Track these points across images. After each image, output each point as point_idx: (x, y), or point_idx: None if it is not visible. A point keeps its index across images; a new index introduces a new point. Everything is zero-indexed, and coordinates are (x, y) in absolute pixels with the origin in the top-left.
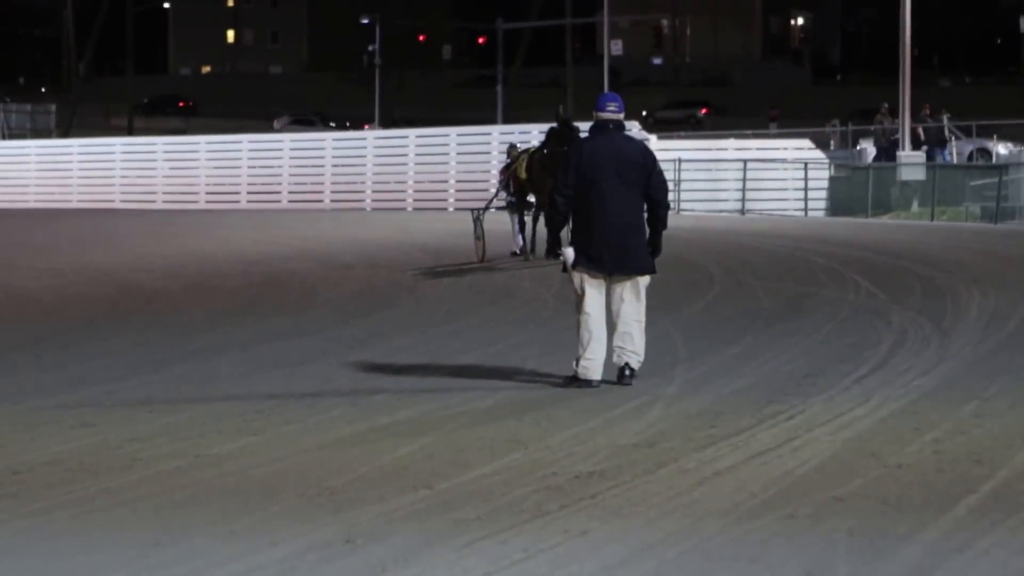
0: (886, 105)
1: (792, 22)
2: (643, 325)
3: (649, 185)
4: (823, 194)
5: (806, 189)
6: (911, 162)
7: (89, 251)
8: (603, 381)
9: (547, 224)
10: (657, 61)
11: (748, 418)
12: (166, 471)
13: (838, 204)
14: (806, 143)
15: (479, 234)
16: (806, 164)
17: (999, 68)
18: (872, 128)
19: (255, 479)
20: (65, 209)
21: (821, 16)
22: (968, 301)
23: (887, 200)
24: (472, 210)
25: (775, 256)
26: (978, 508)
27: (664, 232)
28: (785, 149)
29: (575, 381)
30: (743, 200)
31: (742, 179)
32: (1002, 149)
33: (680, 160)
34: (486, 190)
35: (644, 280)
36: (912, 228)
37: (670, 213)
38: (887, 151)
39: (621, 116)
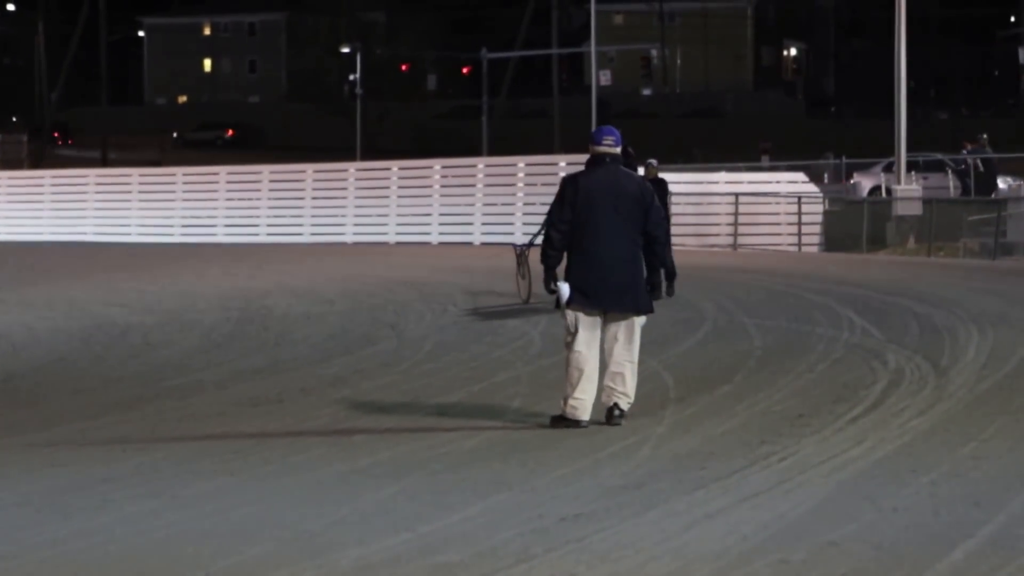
0: (984, 136)
1: (784, 53)
2: (635, 366)
3: (647, 221)
4: (817, 229)
5: (800, 224)
6: (907, 196)
7: (61, 284)
8: (591, 421)
9: (542, 260)
10: (647, 92)
11: (739, 459)
12: (140, 512)
13: (832, 239)
14: (799, 176)
15: (523, 272)
16: (800, 198)
17: (997, 101)
18: (964, 156)
19: (232, 521)
20: (36, 242)
21: (814, 47)
22: (966, 340)
23: (883, 235)
24: (515, 245)
25: (767, 292)
26: (976, 553)
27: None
28: (778, 183)
29: (563, 421)
30: (735, 235)
31: (734, 213)
32: (1001, 183)
33: (670, 193)
34: (471, 223)
35: (640, 319)
36: (908, 264)
37: None
38: (977, 180)
39: (618, 150)
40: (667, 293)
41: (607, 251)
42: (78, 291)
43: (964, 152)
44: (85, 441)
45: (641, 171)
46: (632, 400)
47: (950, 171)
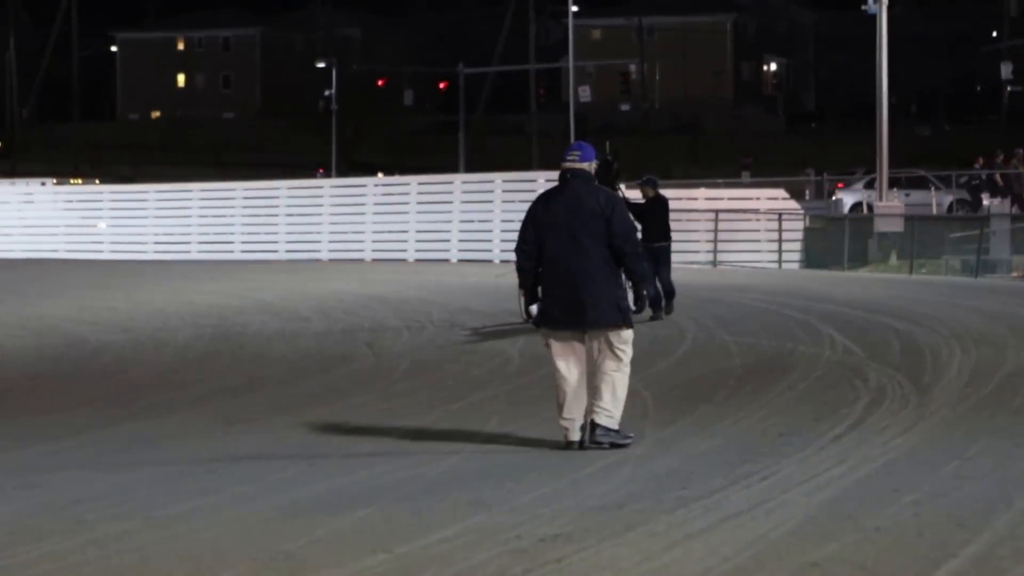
0: (1021, 151)
1: (764, 68)
2: (616, 380)
3: (610, 235)
4: (798, 246)
5: (780, 241)
6: (888, 213)
7: (32, 302)
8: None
9: (519, 284)
10: (625, 107)
11: (720, 479)
12: (113, 534)
13: (813, 257)
14: (780, 193)
15: None
16: (780, 215)
17: (979, 116)
18: (976, 171)
19: (207, 542)
20: (7, 259)
21: (794, 62)
22: (948, 358)
23: (864, 253)
24: None
25: (748, 310)
26: (960, 574)
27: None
28: (758, 199)
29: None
30: (715, 252)
31: (714, 230)
32: (983, 200)
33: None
34: (448, 240)
35: (616, 334)
36: (890, 282)
37: None
38: (1019, 197)
39: (584, 165)
40: (664, 312)
41: (565, 269)
42: (49, 309)
43: (976, 167)
44: (57, 462)
45: (626, 189)
46: (613, 415)
47: (947, 187)
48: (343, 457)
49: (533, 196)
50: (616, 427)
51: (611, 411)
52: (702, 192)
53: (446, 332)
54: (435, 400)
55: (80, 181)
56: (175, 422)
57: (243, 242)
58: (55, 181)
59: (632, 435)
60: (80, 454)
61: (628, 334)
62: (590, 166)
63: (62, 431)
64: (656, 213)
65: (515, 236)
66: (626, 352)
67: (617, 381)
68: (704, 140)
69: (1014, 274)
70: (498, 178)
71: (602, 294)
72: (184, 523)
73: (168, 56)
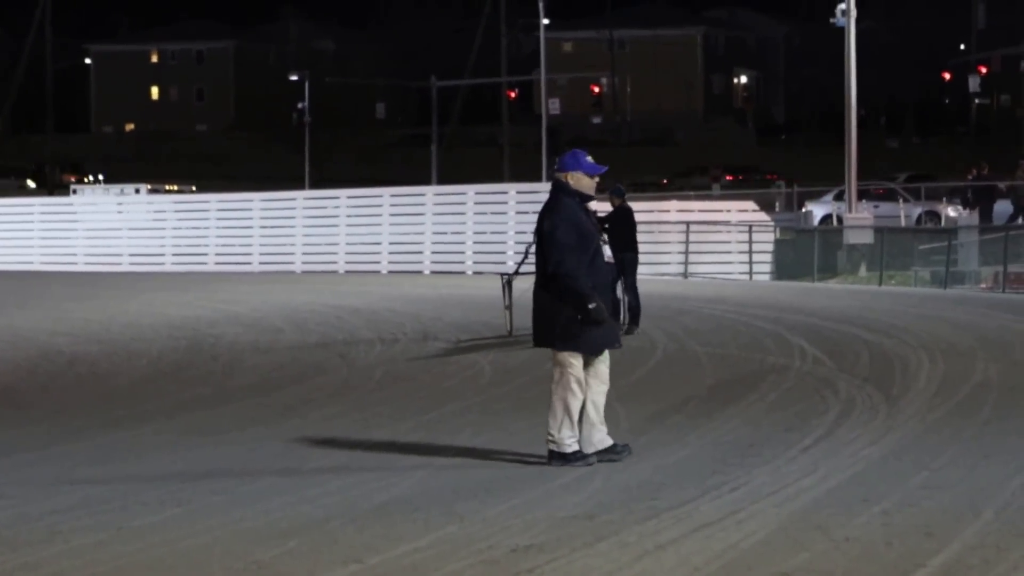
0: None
1: (735, 80)
2: (554, 400)
3: (542, 252)
4: (768, 258)
5: (751, 252)
6: (858, 225)
7: (6, 314)
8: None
9: None
10: (597, 120)
11: (691, 489)
12: (88, 544)
13: (783, 268)
14: (750, 205)
15: (508, 303)
16: (751, 227)
17: (948, 128)
18: (1016, 183)
19: (181, 552)
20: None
21: (765, 75)
22: (917, 368)
23: (834, 264)
24: (502, 275)
25: (719, 322)
26: None
27: (580, 302)
28: (729, 211)
29: None
30: (686, 263)
31: (685, 242)
32: (951, 212)
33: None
34: (421, 252)
35: (554, 354)
36: (860, 293)
37: None
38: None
39: (559, 176)
40: (627, 329)
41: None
42: (23, 320)
43: (971, 178)
44: (30, 473)
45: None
46: (554, 439)
47: (947, 199)
48: (316, 468)
49: (505, 208)
50: (566, 449)
51: (552, 435)
52: (673, 204)
53: (419, 344)
54: (408, 411)
55: (176, 187)
56: (149, 433)
57: (217, 254)
58: (149, 188)
59: (589, 454)
60: (54, 465)
61: (562, 356)
62: (568, 176)
63: (36, 442)
64: (620, 223)
65: (487, 247)
66: (562, 372)
67: (555, 402)
68: (675, 152)
69: (982, 285)
70: (471, 190)
71: (541, 314)
72: (158, 533)
73: (141, 69)
